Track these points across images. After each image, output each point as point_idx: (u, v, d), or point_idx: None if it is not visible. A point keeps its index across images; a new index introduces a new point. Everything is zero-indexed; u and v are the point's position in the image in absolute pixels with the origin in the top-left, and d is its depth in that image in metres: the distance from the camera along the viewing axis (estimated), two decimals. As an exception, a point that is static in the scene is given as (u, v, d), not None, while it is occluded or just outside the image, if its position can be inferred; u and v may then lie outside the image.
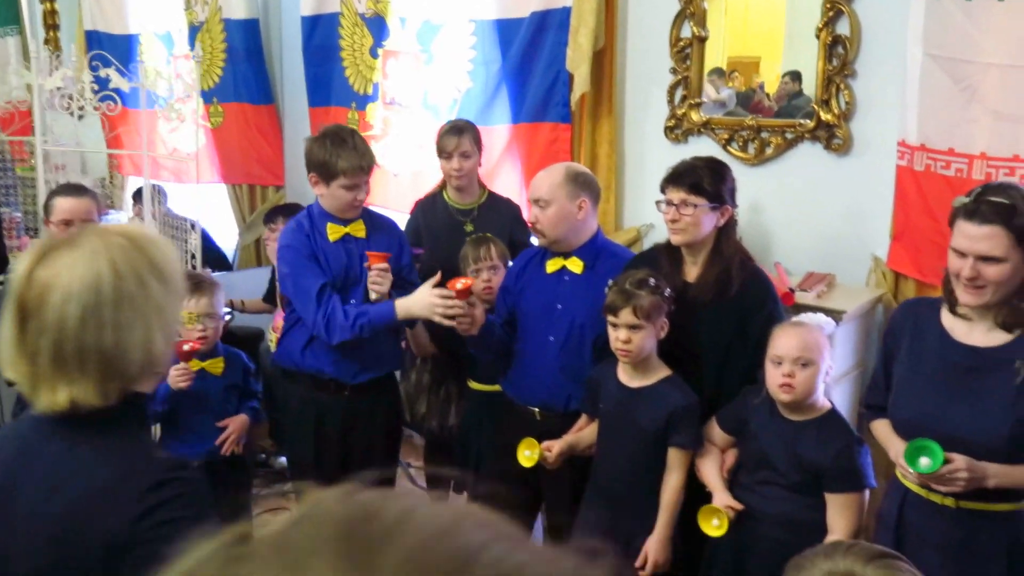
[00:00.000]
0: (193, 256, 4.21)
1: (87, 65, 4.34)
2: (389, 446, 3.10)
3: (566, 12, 3.73)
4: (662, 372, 2.55)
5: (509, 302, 2.89)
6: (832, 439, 2.31)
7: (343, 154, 2.78)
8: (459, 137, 3.41)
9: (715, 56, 3.59)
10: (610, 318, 2.50)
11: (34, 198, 5.04)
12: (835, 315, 2.78)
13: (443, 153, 3.42)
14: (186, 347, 2.82)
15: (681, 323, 2.56)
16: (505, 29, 3.97)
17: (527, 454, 2.61)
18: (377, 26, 4.41)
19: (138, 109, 5.30)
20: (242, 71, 5.08)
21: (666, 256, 2.66)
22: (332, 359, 2.89)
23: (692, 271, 2.64)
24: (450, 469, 3.54)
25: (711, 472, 2.47)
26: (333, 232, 2.91)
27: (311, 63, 4.71)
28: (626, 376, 2.57)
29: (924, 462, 2.01)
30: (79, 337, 1.22)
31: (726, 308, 2.55)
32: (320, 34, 4.63)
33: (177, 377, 2.80)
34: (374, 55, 4.45)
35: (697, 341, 2.58)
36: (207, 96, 5.30)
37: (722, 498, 2.38)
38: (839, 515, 2.26)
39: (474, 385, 3.23)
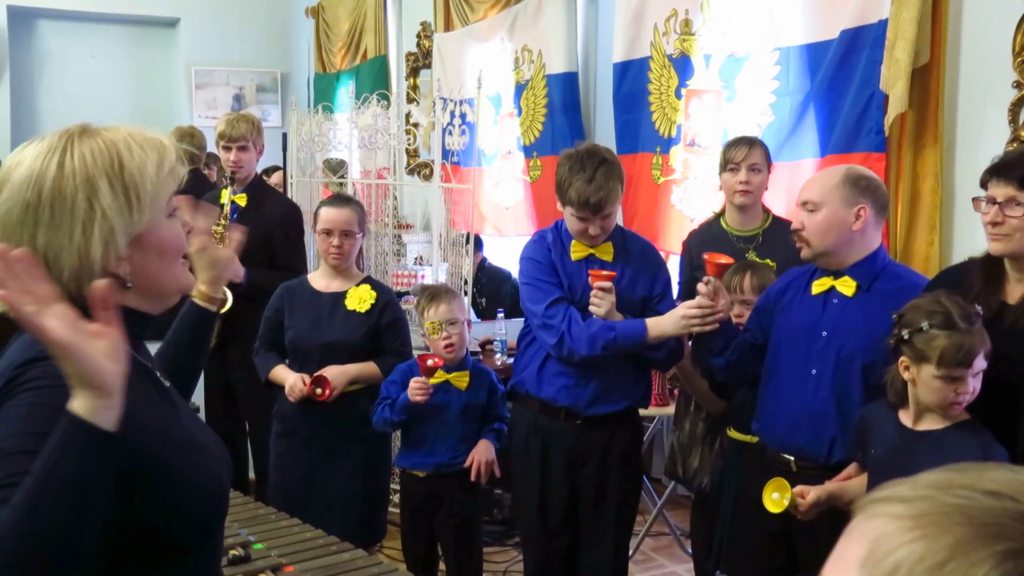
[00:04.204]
0: (465, 282, 4.28)
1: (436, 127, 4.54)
2: (624, 490, 2.74)
3: (882, 26, 3.27)
4: (958, 415, 2.02)
5: (764, 323, 2.47)
6: None
7: (575, 183, 2.55)
8: (750, 148, 3.07)
9: (1070, 62, 2.94)
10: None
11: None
12: None
13: (729, 165, 3.08)
14: (429, 362, 2.75)
15: (994, 356, 2.00)
16: (813, 53, 3.59)
17: (775, 497, 2.16)
18: (683, 66, 4.24)
19: (469, 167, 5.60)
20: (559, 124, 5.14)
21: (982, 270, 2.12)
22: (563, 384, 2.66)
23: (1015, 290, 2.07)
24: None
25: None
26: (577, 251, 2.70)
27: (620, 110, 4.64)
28: (909, 418, 2.07)
29: None
30: (15, 234, 1.18)
31: None
32: (630, 79, 4.55)
33: (415, 390, 2.74)
34: (678, 96, 4.27)
35: (1013, 380, 2.00)
36: (528, 151, 5.45)
37: None
38: None
39: (732, 434, 2.79)
